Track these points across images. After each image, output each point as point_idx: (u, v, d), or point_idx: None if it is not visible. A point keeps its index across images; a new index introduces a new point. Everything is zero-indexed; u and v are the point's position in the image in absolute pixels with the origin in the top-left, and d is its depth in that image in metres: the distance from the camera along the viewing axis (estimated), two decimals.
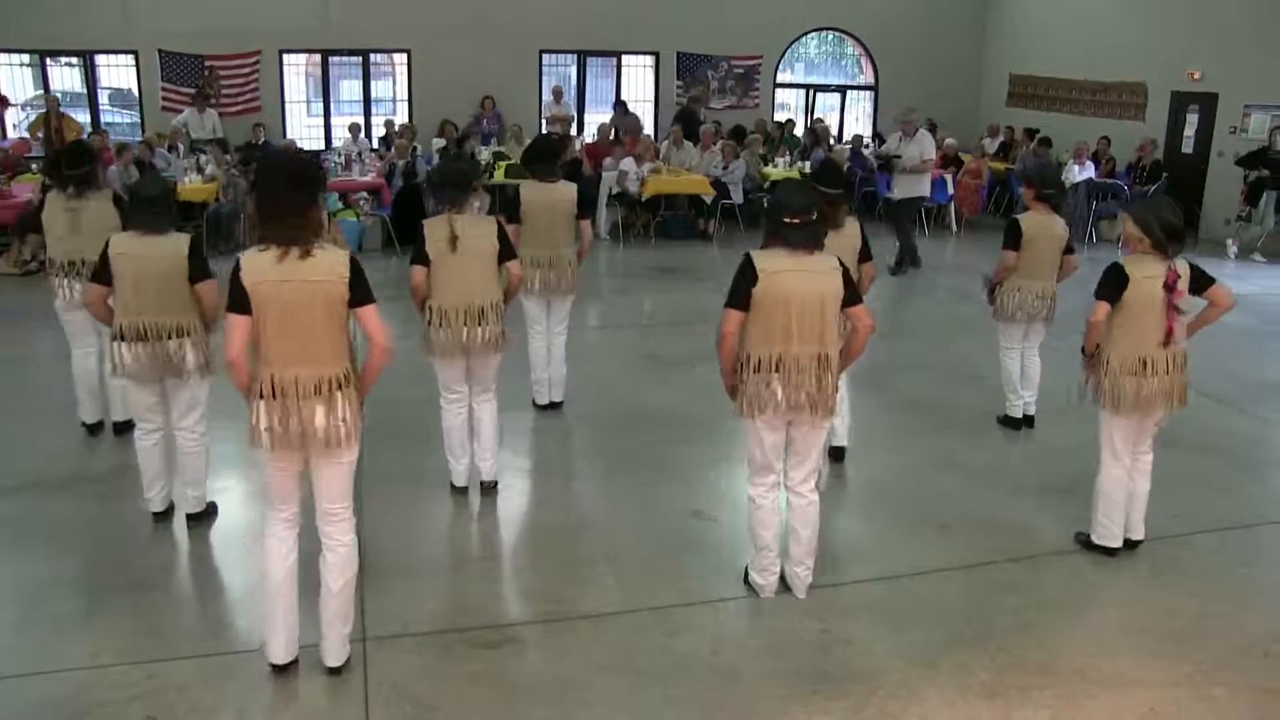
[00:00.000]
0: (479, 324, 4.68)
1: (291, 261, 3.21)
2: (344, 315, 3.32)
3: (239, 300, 3.24)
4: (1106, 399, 4.35)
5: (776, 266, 3.73)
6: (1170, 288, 4.17)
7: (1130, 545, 4.56)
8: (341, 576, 3.46)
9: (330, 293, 3.26)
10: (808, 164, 12.89)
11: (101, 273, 4.34)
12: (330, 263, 3.27)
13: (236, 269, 3.24)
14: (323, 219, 3.45)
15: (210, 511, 4.71)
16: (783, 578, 4.14)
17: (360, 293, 3.31)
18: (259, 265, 3.23)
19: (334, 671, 3.52)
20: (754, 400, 3.83)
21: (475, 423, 4.97)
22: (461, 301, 4.65)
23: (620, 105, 14.84)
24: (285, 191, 3.23)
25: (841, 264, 3.86)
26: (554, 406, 6.21)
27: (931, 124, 14.63)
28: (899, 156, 10.56)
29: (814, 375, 3.79)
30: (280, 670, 3.49)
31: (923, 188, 10.73)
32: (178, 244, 4.33)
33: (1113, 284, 4.25)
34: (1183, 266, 4.24)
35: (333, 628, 3.50)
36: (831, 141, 14.49)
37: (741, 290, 3.76)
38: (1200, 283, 4.35)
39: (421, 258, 4.66)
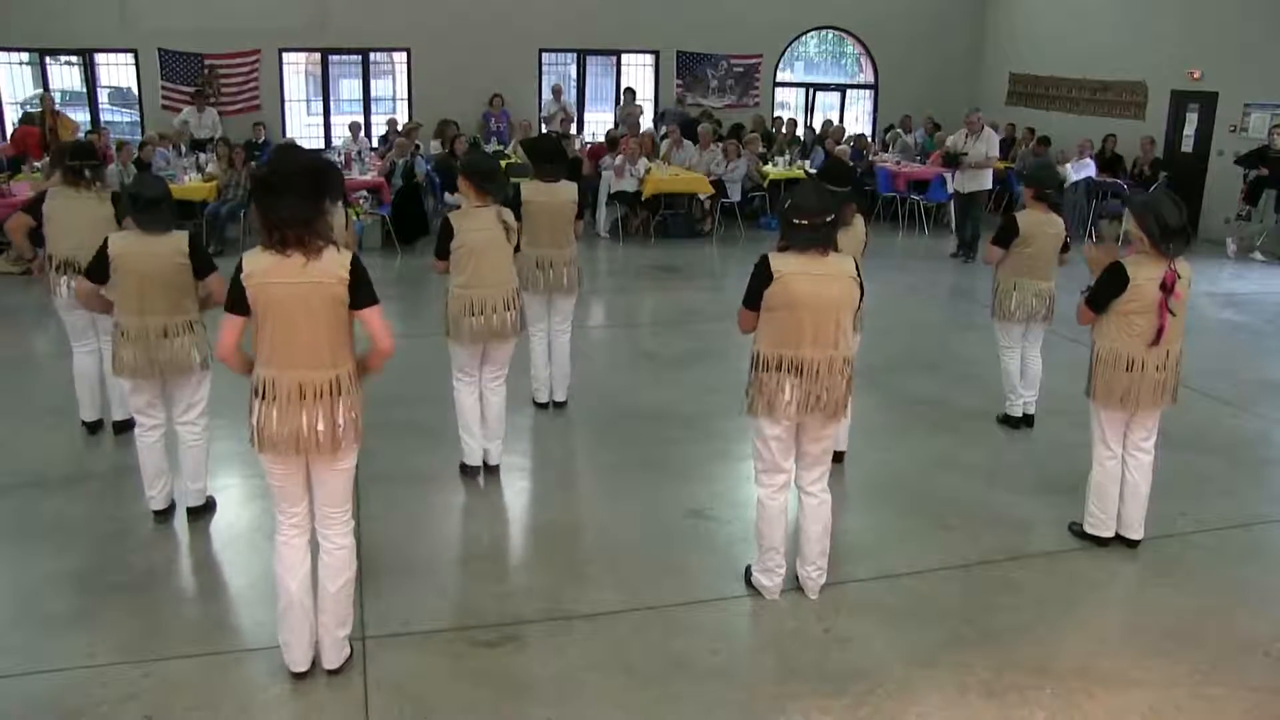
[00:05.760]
0: (505, 310, 4.90)
1: (294, 263, 3.15)
2: (345, 318, 3.26)
3: (237, 300, 3.22)
4: (1093, 389, 4.39)
5: (792, 269, 3.71)
6: (1167, 288, 4.15)
7: (1130, 544, 4.56)
8: (339, 578, 3.44)
9: (330, 294, 3.20)
10: (808, 163, 12.89)
11: (95, 269, 4.34)
12: (331, 264, 3.19)
13: (238, 269, 3.21)
14: (333, 220, 3.37)
15: (210, 506, 4.71)
16: (793, 577, 4.14)
17: (363, 295, 3.25)
18: (261, 266, 3.17)
19: (332, 673, 3.50)
20: (765, 400, 3.82)
21: (485, 407, 5.14)
22: (490, 290, 4.84)
23: (629, 93, 14.89)
24: (303, 194, 3.12)
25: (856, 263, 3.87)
26: (557, 406, 6.22)
27: (933, 123, 14.68)
28: (966, 154, 10.99)
29: (827, 379, 3.78)
30: (300, 677, 3.47)
31: (987, 181, 11.28)
32: (177, 242, 4.34)
33: (1108, 288, 4.24)
34: (1184, 268, 4.20)
35: (330, 630, 3.48)
36: (840, 141, 14.43)
37: (755, 290, 3.77)
38: None
39: (444, 252, 4.84)
